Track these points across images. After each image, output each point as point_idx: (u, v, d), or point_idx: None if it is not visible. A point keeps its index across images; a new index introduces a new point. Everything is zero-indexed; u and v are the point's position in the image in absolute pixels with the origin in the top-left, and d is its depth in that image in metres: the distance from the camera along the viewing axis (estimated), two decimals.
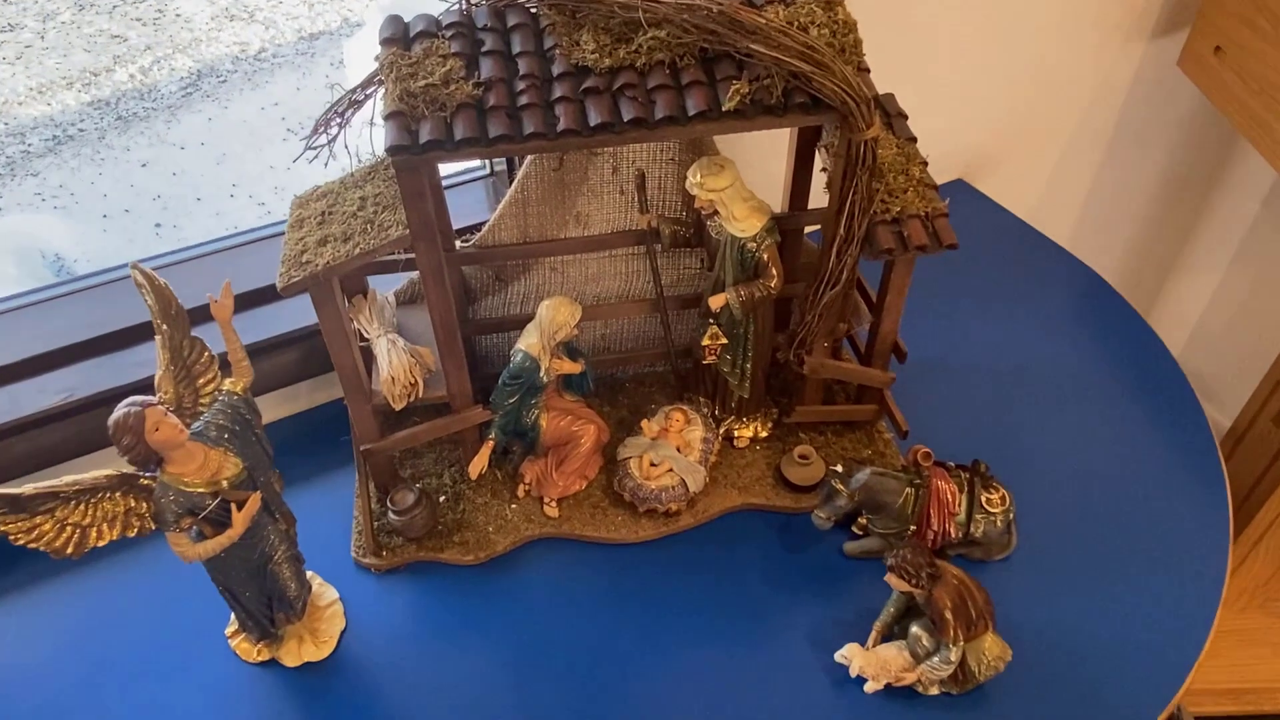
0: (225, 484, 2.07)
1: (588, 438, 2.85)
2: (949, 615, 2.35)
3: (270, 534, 2.30)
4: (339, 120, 2.46)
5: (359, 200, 2.46)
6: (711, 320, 2.75)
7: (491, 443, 2.79)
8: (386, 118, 2.15)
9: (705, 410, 3.05)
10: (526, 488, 2.91)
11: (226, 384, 2.16)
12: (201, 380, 2.25)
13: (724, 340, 2.76)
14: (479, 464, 2.80)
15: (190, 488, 2.06)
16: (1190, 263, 5.58)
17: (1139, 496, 2.99)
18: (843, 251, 2.49)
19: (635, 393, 3.22)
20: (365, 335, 2.76)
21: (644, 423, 2.97)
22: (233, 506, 2.08)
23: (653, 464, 2.86)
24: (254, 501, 2.11)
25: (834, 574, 2.78)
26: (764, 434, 3.06)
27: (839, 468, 2.69)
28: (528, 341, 2.73)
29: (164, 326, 2.16)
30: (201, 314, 2.31)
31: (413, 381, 2.63)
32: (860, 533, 2.85)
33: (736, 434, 3.04)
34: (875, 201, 2.41)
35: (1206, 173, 5.10)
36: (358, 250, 2.32)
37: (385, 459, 2.85)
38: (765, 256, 2.58)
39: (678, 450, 2.89)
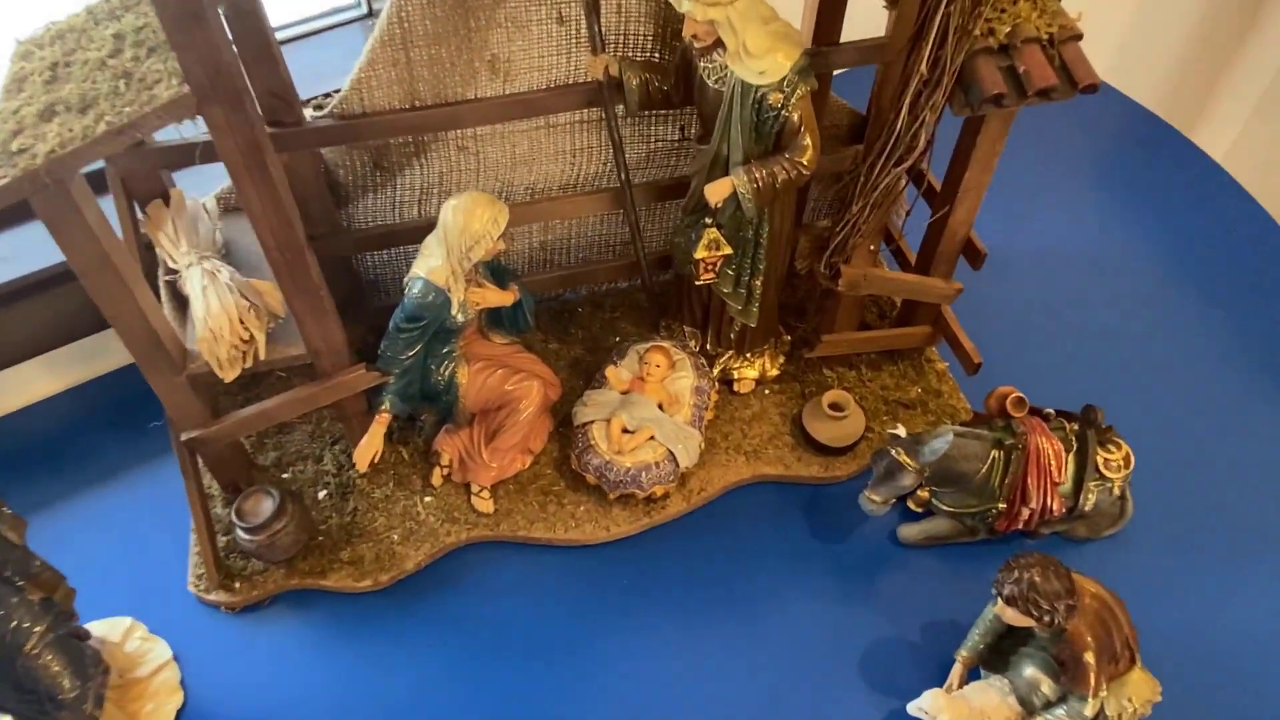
0: None
1: (530, 399, 1.93)
2: (1091, 659, 1.56)
3: (15, 614, 1.38)
4: None
5: (111, 41, 1.43)
6: (709, 220, 1.81)
7: (386, 417, 1.87)
8: None
9: (693, 344, 2.15)
10: (446, 471, 2.01)
11: None
12: None
13: (726, 250, 1.83)
14: (369, 450, 1.88)
15: None
16: (1215, 111, 4.85)
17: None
18: (920, 103, 1.55)
19: (592, 321, 2.30)
20: (171, 264, 1.76)
21: (609, 370, 2.06)
22: None
23: (626, 430, 1.96)
24: None
25: (888, 572, 1.98)
26: (774, 372, 2.19)
27: (900, 431, 1.83)
28: (429, 264, 1.77)
29: None
30: None
31: (246, 336, 1.66)
32: (920, 510, 2.03)
33: (737, 375, 2.16)
34: (979, 19, 1.45)
35: (1247, 11, 4.28)
36: (103, 126, 1.31)
37: (230, 449, 1.91)
38: (796, 116, 1.63)
39: (660, 408, 1.99)
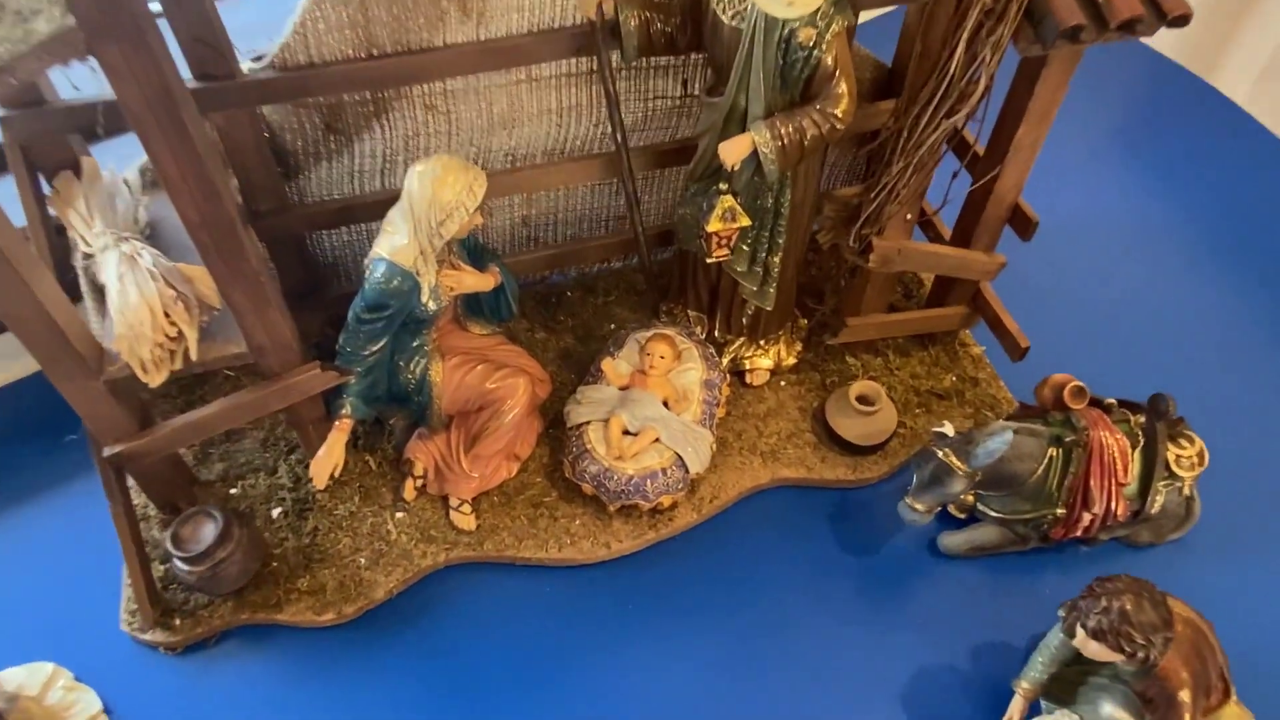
0: None
1: (515, 398, 1.67)
2: (1187, 697, 1.32)
3: None
4: None
5: None
6: (723, 187, 1.54)
7: (348, 423, 1.59)
8: None
9: (699, 331, 1.88)
10: (419, 483, 1.74)
11: None
12: None
13: (744, 221, 1.56)
14: (328, 463, 1.61)
15: None
16: (1233, 57, 4.63)
17: None
18: (980, 38, 1.28)
19: (583, 307, 2.04)
20: (85, 248, 1.47)
21: (606, 362, 1.79)
22: None
23: (627, 432, 1.70)
24: None
25: (929, 587, 1.75)
26: (790, 361, 1.93)
27: (947, 429, 1.58)
28: (393, 243, 1.49)
29: None
30: None
31: (173, 333, 1.38)
32: (963, 516, 1.78)
33: (750, 365, 1.90)
34: None
35: None
36: None
37: (165, 464, 1.63)
38: (830, 57, 1.36)
39: (665, 405, 1.73)
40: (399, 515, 1.76)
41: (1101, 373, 1.83)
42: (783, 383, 1.98)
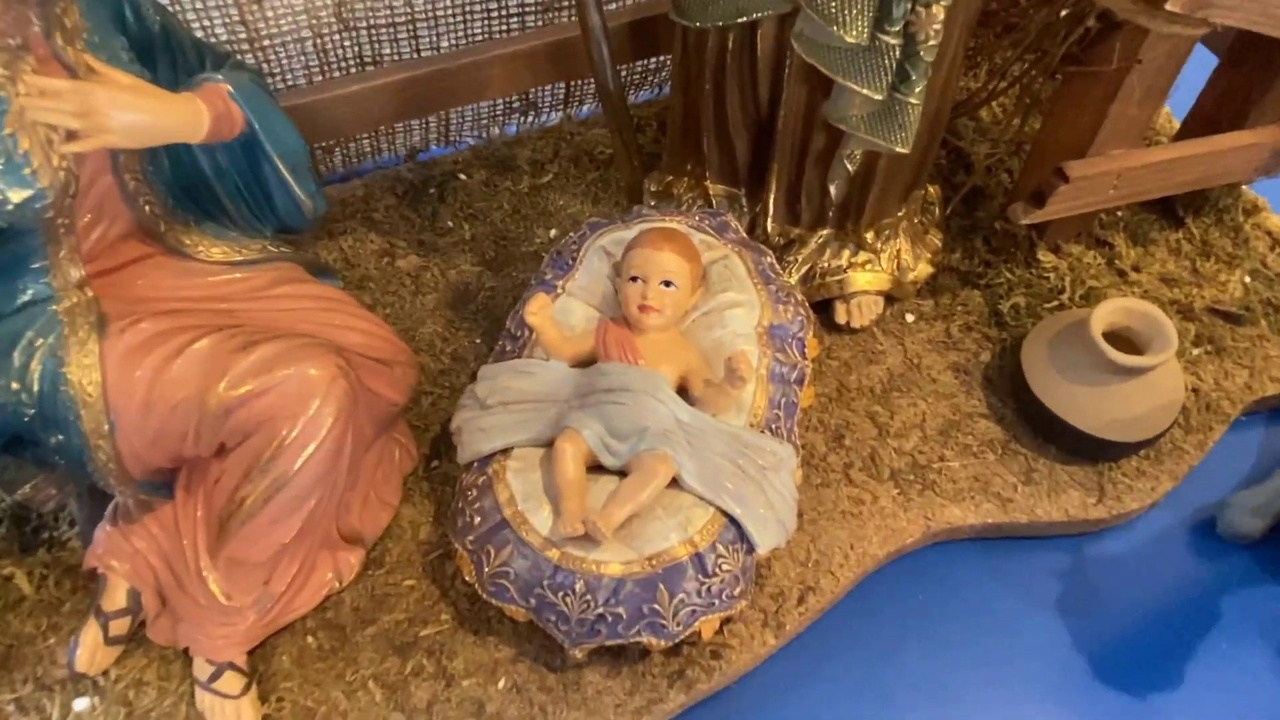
0: None
1: (304, 417, 0.65)
2: None
3: None
4: None
5: None
6: None
7: None
8: None
9: (737, 222, 0.84)
10: (126, 629, 0.72)
11: None
12: None
13: None
14: None
15: None
16: None
17: None
18: None
19: (492, 200, 1.13)
20: None
21: (532, 305, 0.77)
22: None
23: (604, 469, 0.69)
24: None
25: None
26: (922, 270, 0.96)
27: None
28: None
29: None
30: None
31: None
32: None
33: (844, 287, 0.96)
34: None
35: None
36: None
37: None
38: None
39: (683, 396, 0.69)
40: (79, 706, 0.75)
41: None
42: (909, 316, 1.01)
